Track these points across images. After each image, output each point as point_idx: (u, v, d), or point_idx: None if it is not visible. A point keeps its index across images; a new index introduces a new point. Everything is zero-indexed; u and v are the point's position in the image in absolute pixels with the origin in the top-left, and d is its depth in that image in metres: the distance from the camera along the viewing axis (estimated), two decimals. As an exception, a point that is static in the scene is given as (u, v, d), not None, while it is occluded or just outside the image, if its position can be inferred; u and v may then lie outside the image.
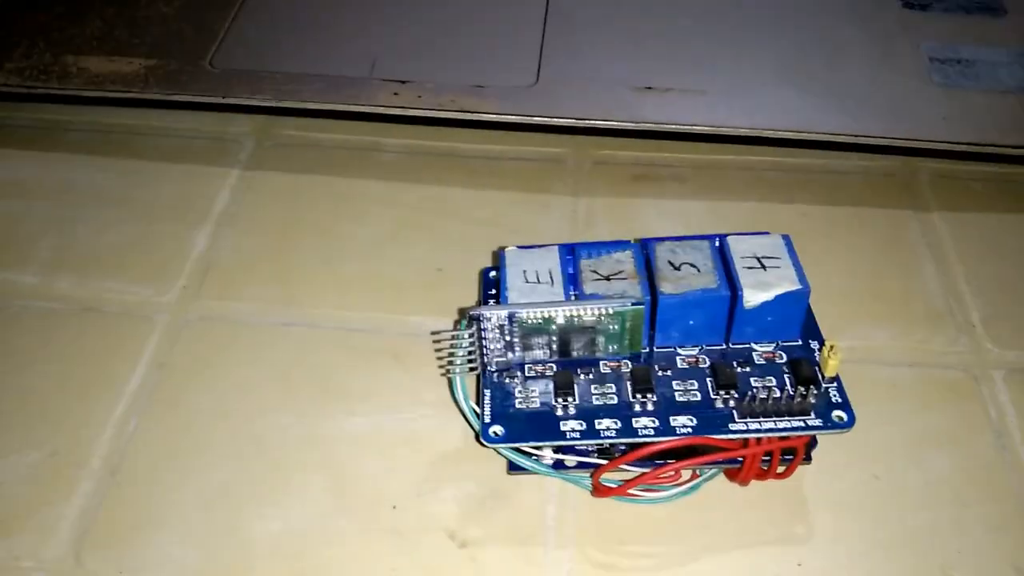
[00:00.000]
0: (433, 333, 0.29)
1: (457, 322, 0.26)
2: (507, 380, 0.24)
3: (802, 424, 0.22)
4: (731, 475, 0.24)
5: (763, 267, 0.24)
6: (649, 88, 0.34)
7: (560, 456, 0.24)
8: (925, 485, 0.25)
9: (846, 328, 0.29)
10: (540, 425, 0.23)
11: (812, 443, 0.24)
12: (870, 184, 0.35)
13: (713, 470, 0.24)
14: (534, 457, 0.24)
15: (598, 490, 0.24)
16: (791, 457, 0.23)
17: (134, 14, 0.38)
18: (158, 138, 0.36)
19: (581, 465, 0.24)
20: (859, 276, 0.31)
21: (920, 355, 0.29)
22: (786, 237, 0.25)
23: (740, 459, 0.23)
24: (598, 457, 0.24)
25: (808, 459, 0.25)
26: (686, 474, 0.24)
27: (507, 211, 0.34)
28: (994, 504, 0.25)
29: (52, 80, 0.35)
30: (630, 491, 0.24)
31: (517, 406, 0.23)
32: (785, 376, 0.23)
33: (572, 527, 0.24)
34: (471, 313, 0.23)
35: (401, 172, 0.35)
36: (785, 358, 0.24)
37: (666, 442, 0.22)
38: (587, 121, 0.33)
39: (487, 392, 0.24)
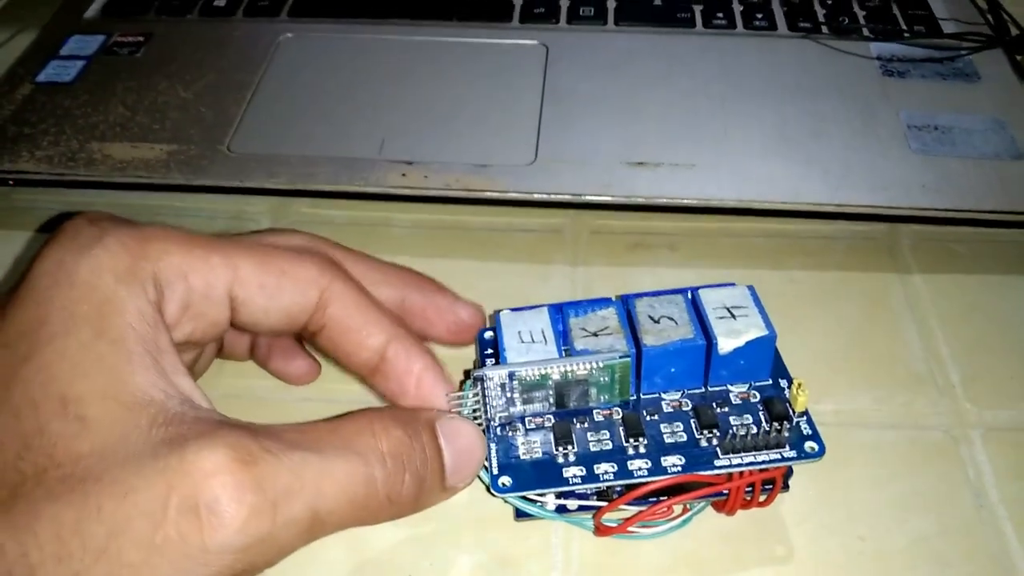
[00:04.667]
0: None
1: (462, 383, 0.28)
2: (510, 433, 0.26)
3: (779, 456, 0.25)
4: (718, 506, 0.27)
5: (733, 316, 0.26)
6: (641, 163, 0.36)
7: (563, 501, 0.26)
8: (908, 546, 0.27)
9: (832, 392, 0.31)
10: (544, 473, 0.25)
11: (789, 472, 0.27)
12: (855, 249, 0.37)
13: (702, 503, 0.27)
14: (539, 504, 0.26)
15: (600, 530, 0.26)
16: (771, 487, 0.26)
17: (155, 99, 0.41)
18: (180, 218, 0.39)
19: (583, 508, 0.26)
20: (844, 340, 0.33)
21: (902, 417, 0.30)
22: (751, 288, 0.27)
23: (726, 492, 0.25)
24: (597, 499, 0.26)
25: (786, 487, 0.27)
26: (678, 509, 0.26)
27: (512, 281, 0.36)
28: (973, 564, 0.26)
29: (79, 167, 0.37)
30: (629, 528, 0.26)
31: (521, 456, 0.25)
32: (760, 413, 0.26)
33: (579, 566, 0.26)
34: (475, 374, 0.26)
35: (411, 246, 0.37)
36: (759, 397, 0.26)
37: (659, 481, 0.25)
38: (583, 197, 0.35)
39: (493, 445, 0.26)
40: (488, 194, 0.35)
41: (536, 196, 0.35)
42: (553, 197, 0.35)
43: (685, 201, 0.35)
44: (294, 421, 0.30)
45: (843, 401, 0.31)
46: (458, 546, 0.27)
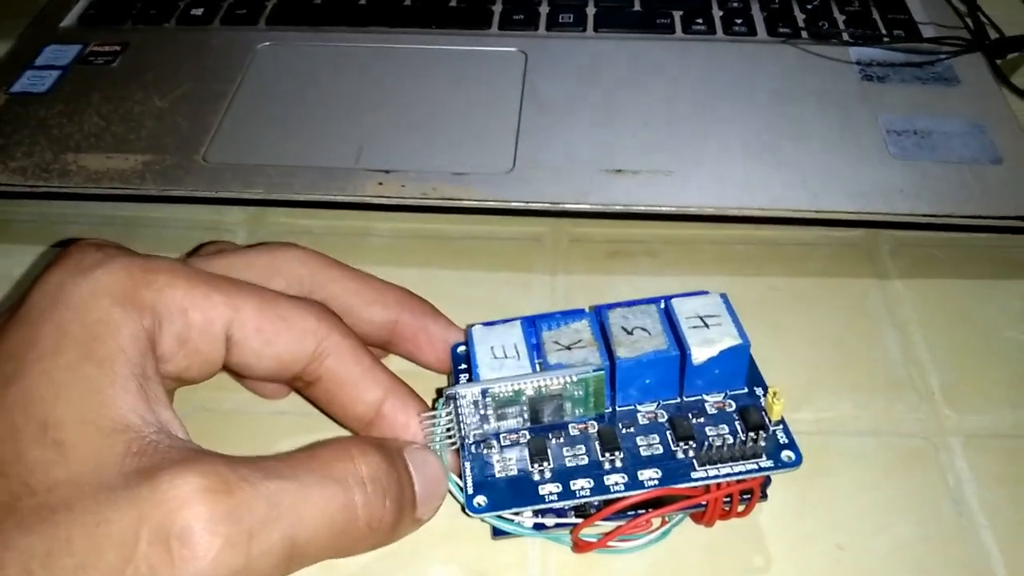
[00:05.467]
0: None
1: (435, 401, 0.27)
2: (484, 450, 0.26)
3: (756, 466, 0.25)
4: (697, 518, 0.26)
5: (706, 325, 0.26)
6: (620, 171, 0.36)
7: (540, 519, 0.26)
8: (888, 554, 0.26)
9: (813, 399, 0.31)
10: (520, 490, 0.25)
11: (767, 481, 0.27)
12: (834, 255, 0.37)
13: (680, 516, 0.26)
14: (516, 521, 0.25)
15: (578, 546, 0.26)
16: (749, 496, 0.26)
17: (130, 109, 0.40)
18: (156, 229, 0.38)
19: (560, 524, 0.26)
20: (824, 347, 0.33)
21: (882, 424, 0.30)
22: (723, 296, 0.27)
23: (704, 503, 0.25)
24: (575, 515, 0.26)
25: (764, 496, 0.27)
26: (656, 522, 0.26)
27: (491, 290, 0.35)
28: (953, 572, 0.26)
29: (53, 178, 0.37)
30: (608, 543, 0.26)
31: (496, 474, 0.25)
32: (736, 423, 0.26)
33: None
34: (447, 392, 0.25)
35: (391, 256, 0.37)
36: (734, 406, 0.26)
37: (636, 495, 0.24)
38: (561, 205, 0.35)
39: (467, 464, 0.25)
40: (466, 203, 0.35)
41: (515, 204, 0.35)
42: (532, 205, 0.35)
43: (664, 208, 0.35)
44: (269, 434, 0.30)
45: (823, 408, 0.31)
46: (432, 560, 0.27)
